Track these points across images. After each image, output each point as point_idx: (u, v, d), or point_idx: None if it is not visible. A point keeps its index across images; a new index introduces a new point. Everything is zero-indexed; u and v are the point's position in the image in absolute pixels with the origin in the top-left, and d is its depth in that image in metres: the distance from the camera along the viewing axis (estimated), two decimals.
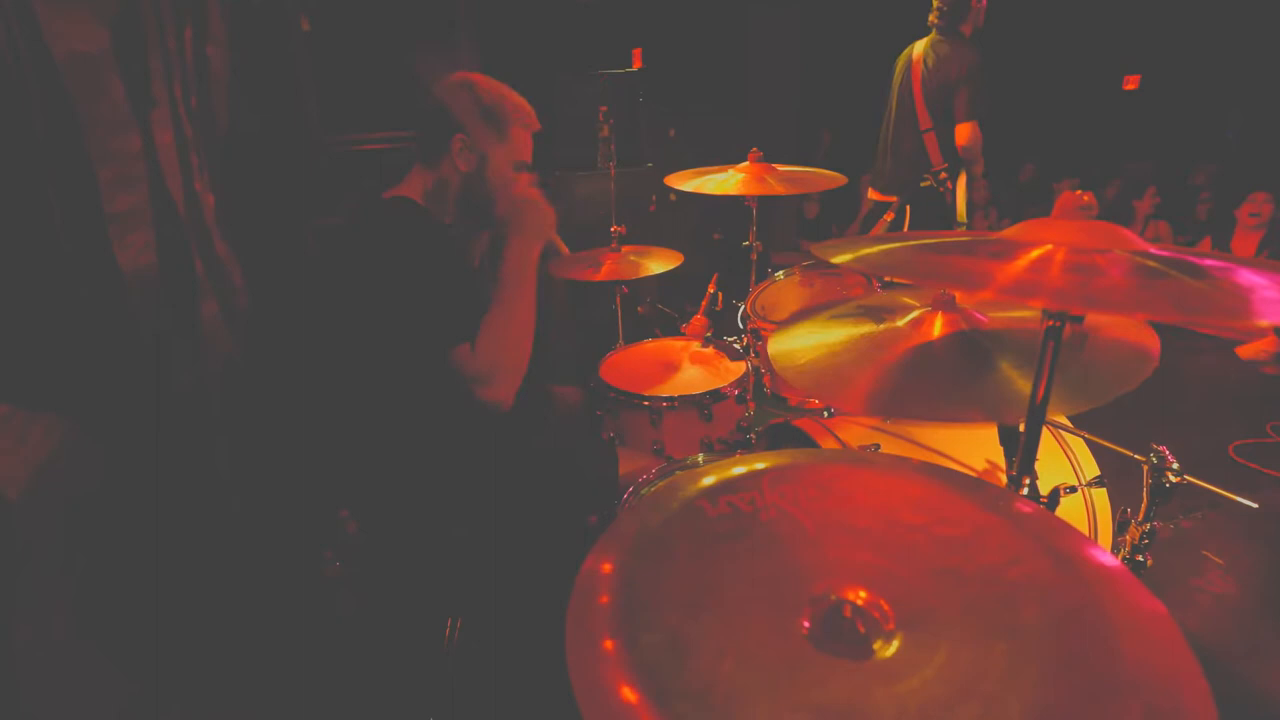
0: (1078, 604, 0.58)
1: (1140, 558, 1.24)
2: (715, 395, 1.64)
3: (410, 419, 1.35)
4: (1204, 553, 2.20)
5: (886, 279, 1.59)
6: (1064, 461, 1.57)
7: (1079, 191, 0.72)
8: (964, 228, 2.80)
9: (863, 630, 0.58)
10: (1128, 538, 1.26)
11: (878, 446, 1.49)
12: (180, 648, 1.17)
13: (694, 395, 1.62)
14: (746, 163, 1.84)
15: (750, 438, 1.62)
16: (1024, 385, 0.88)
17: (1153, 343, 0.94)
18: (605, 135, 2.27)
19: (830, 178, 1.85)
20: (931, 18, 2.90)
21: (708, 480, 0.76)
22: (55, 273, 0.94)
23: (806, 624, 0.59)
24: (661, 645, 0.57)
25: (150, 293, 1.15)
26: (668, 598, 0.63)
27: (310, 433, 1.68)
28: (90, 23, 1.14)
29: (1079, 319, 0.76)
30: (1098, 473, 1.54)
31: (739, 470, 0.78)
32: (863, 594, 0.61)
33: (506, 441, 1.39)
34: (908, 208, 1.70)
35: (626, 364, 1.79)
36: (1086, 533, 1.50)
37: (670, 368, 1.75)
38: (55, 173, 1.02)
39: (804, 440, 1.54)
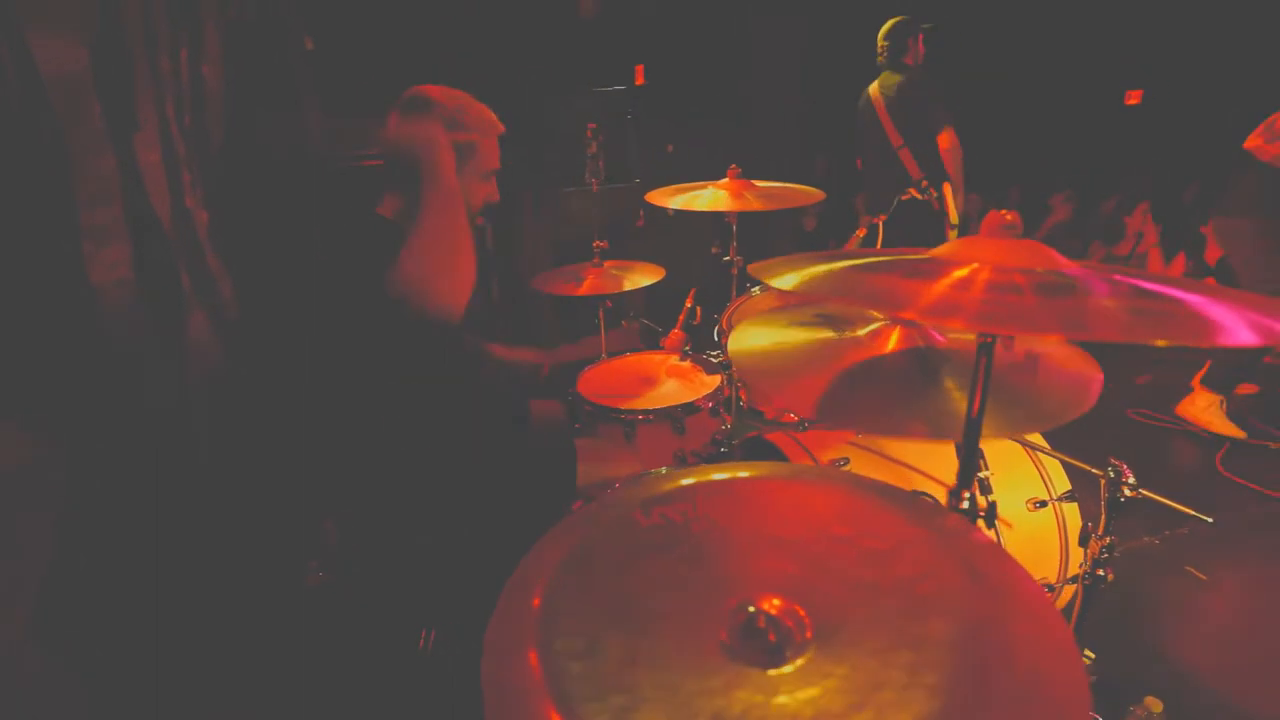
0: (983, 617, 0.59)
1: (1101, 571, 1.25)
2: (689, 408, 1.66)
3: (386, 429, 1.38)
4: (1187, 568, 2.19)
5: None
6: (1035, 476, 1.58)
7: (1004, 211, 0.74)
8: (955, 231, 2.90)
9: (774, 640, 0.60)
10: (1088, 552, 1.27)
11: (846, 461, 1.50)
12: (149, 654, 1.20)
13: (667, 408, 1.64)
14: (726, 179, 1.87)
15: (723, 450, 1.63)
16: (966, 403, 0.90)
17: (1093, 366, 0.96)
18: (593, 152, 2.30)
19: (808, 193, 1.88)
20: (879, 58, 3.31)
21: (644, 491, 0.78)
22: (26, 284, 0.98)
23: (723, 633, 0.61)
24: (575, 651, 0.59)
25: (124, 307, 1.19)
26: (590, 605, 0.65)
27: (298, 439, 1.71)
28: (75, 44, 1.18)
29: (1011, 337, 0.78)
30: (1069, 487, 1.55)
31: (677, 482, 0.80)
32: (777, 603, 0.62)
33: (483, 451, 1.42)
34: (879, 225, 1.73)
35: (605, 377, 1.81)
36: (1057, 547, 1.51)
37: (648, 381, 1.77)
38: (35, 187, 1.06)
39: (776, 454, 1.56)
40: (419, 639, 1.42)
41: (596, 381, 1.80)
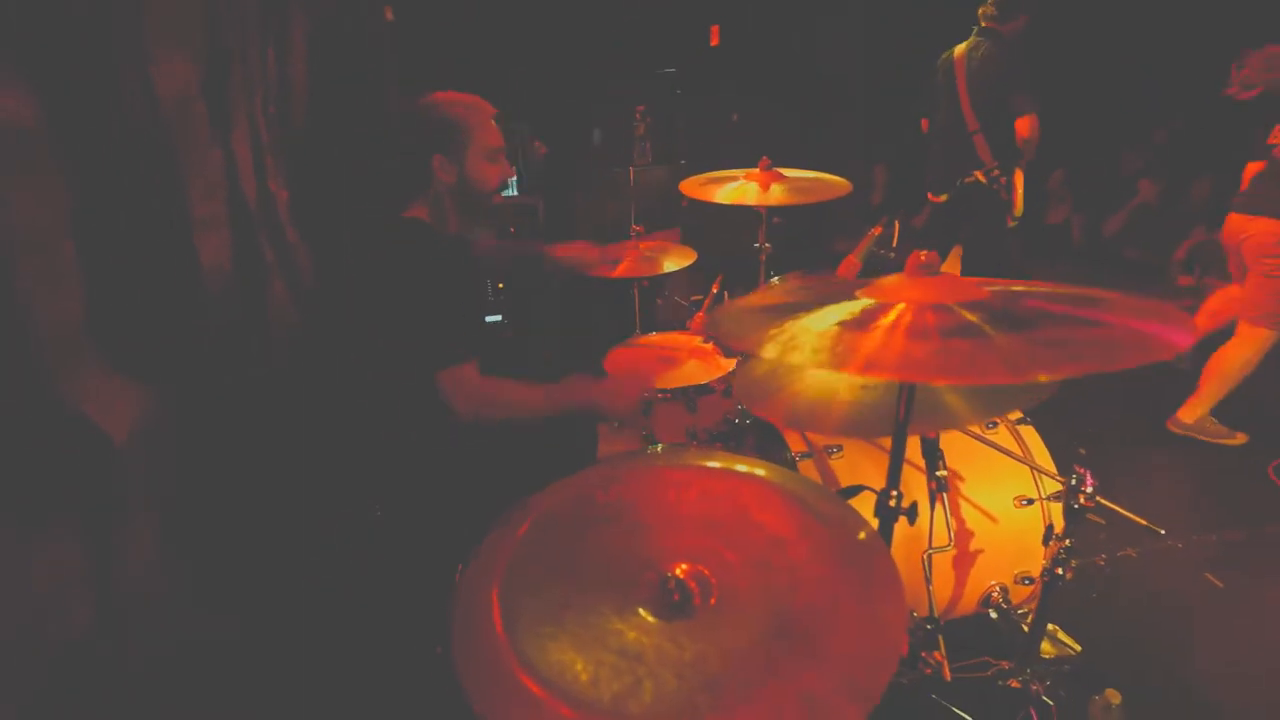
0: (841, 598, 0.74)
1: (1060, 570, 1.34)
2: (702, 389, 1.80)
3: (419, 409, 1.56)
4: (1207, 575, 2.20)
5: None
6: (1028, 475, 1.65)
7: (921, 252, 0.84)
8: (1017, 222, 2.97)
9: (677, 599, 0.76)
10: (1048, 551, 1.36)
11: (839, 449, 1.62)
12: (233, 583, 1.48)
13: (681, 389, 1.79)
14: (757, 169, 1.96)
15: (736, 423, 1.78)
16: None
17: None
18: (641, 134, 2.41)
19: (836, 185, 1.95)
20: (983, 17, 3.00)
21: (611, 472, 0.96)
22: (149, 269, 1.22)
23: (642, 590, 0.78)
24: (525, 591, 0.77)
25: (223, 283, 1.43)
26: (546, 559, 0.83)
27: (358, 393, 1.95)
28: (189, 63, 1.40)
29: None
30: (1059, 488, 1.61)
31: (635, 465, 0.97)
32: (685, 568, 0.78)
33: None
34: (896, 223, 1.77)
35: (631, 355, 1.97)
36: (1039, 544, 1.59)
37: (670, 361, 1.92)
38: (154, 187, 1.30)
39: (775, 436, 1.69)
40: (456, 572, 1.67)
41: (623, 358, 1.96)
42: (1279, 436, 2.88)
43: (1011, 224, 3.10)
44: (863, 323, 0.82)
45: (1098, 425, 2.90)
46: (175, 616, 1.23)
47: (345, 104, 2.30)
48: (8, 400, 0.89)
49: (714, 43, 4.59)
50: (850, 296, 0.90)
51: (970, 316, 0.81)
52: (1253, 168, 2.67)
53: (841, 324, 0.83)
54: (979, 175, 3.02)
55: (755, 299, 1.09)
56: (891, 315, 0.82)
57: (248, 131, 1.67)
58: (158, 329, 1.25)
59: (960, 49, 3.06)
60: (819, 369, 0.95)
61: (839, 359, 0.76)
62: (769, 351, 0.81)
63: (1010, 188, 3.03)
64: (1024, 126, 2.88)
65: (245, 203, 1.61)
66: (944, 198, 3.18)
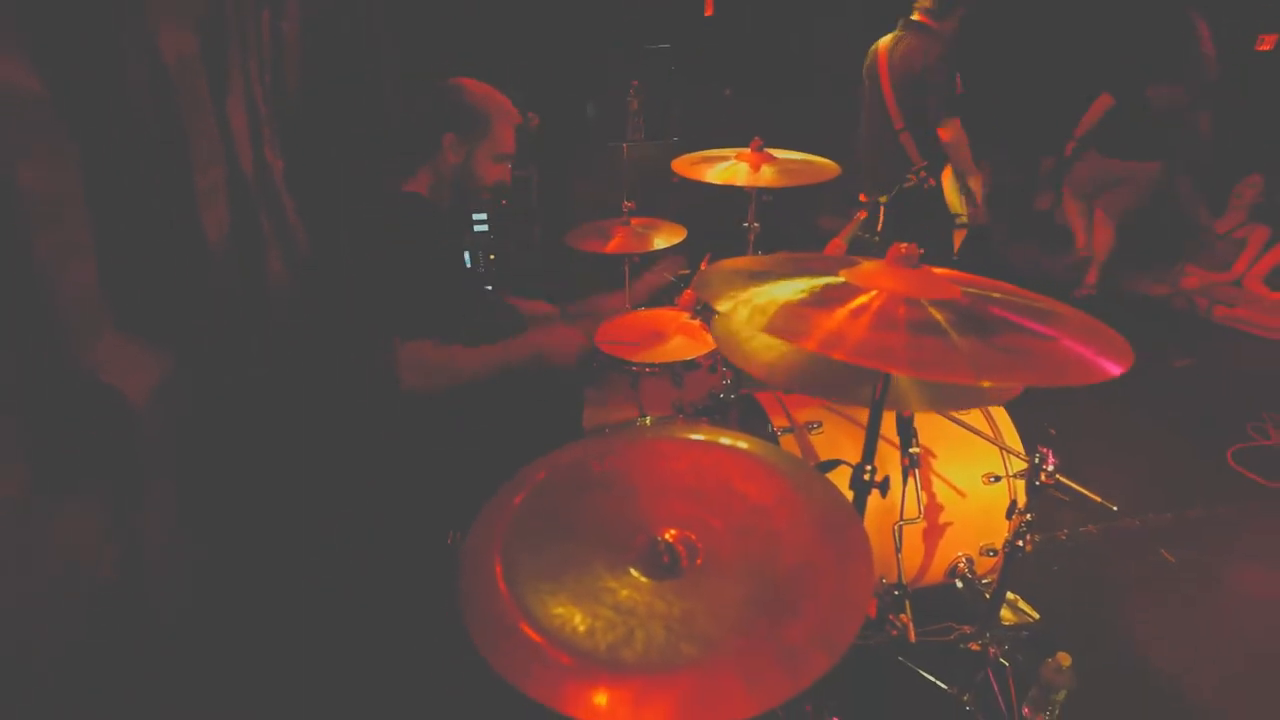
0: (810, 556, 0.81)
1: (1020, 544, 1.43)
2: (688, 364, 1.86)
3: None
4: (1161, 552, 2.33)
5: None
6: (996, 454, 1.74)
7: (902, 244, 0.90)
8: (961, 220, 2.83)
9: (667, 561, 0.83)
10: (1010, 524, 1.45)
11: (819, 424, 1.70)
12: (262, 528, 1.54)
13: (669, 363, 1.85)
14: (748, 150, 2.00)
15: (721, 398, 1.85)
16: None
17: None
18: (635, 109, 2.43)
19: (825, 168, 1.99)
20: (918, 9, 2.78)
21: (604, 445, 1.02)
22: (157, 237, 1.25)
23: (634, 552, 0.85)
24: (527, 550, 0.84)
25: (224, 252, 1.46)
26: (545, 521, 0.89)
27: (350, 360, 1.98)
28: (189, 29, 1.41)
29: None
30: (1024, 466, 1.71)
31: (628, 438, 1.03)
32: (673, 533, 0.85)
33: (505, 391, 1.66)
34: (881, 207, 1.81)
35: (621, 328, 2.02)
36: (1003, 520, 1.68)
37: (658, 335, 1.98)
38: (159, 155, 1.32)
39: (758, 410, 1.76)
40: (447, 537, 1.73)
41: (612, 331, 2.01)
42: (1238, 423, 3.02)
43: (960, 233, 2.96)
44: (827, 301, 0.89)
45: (1068, 409, 3.02)
46: (192, 570, 1.29)
47: (339, 71, 2.30)
48: (35, 367, 0.92)
49: (708, 12, 4.57)
50: (833, 274, 0.96)
51: (938, 315, 0.87)
52: None
53: (805, 297, 0.90)
54: (912, 177, 2.78)
55: (744, 263, 1.15)
56: (863, 299, 0.88)
57: (244, 99, 1.67)
58: (168, 296, 1.29)
59: (884, 42, 2.86)
60: (762, 333, 1.02)
61: (792, 331, 0.83)
62: (722, 306, 0.89)
63: (939, 187, 2.81)
64: (944, 134, 2.72)
65: (242, 172, 1.63)
66: (884, 199, 2.89)
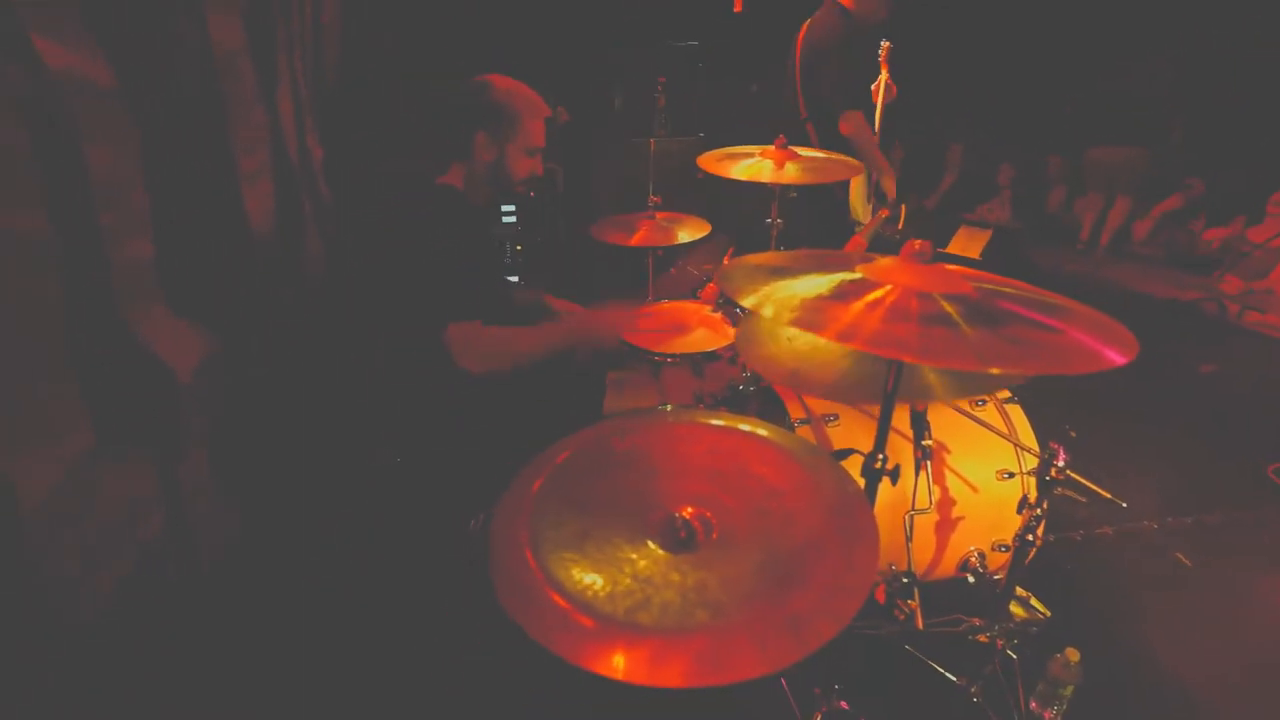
0: (820, 536, 0.85)
1: (1030, 537, 1.46)
2: (709, 356, 1.90)
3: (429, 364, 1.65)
4: (1177, 555, 2.32)
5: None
6: (1011, 450, 1.76)
7: (916, 240, 0.93)
8: (861, 227, 2.44)
9: (684, 536, 0.88)
10: (1022, 518, 1.48)
11: (836, 417, 1.73)
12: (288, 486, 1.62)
13: (690, 354, 1.90)
14: (772, 147, 2.03)
15: (740, 389, 1.89)
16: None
17: None
18: (661, 105, 2.46)
19: (849, 165, 2.02)
20: None
21: (624, 423, 1.06)
22: (205, 219, 1.32)
23: (652, 526, 0.90)
24: (550, 523, 0.89)
25: (267, 231, 1.53)
26: (568, 496, 0.94)
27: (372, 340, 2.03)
28: (237, 20, 1.47)
29: None
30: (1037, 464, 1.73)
31: (649, 420, 1.08)
32: (690, 510, 0.90)
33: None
34: (904, 206, 1.82)
35: (645, 319, 2.07)
36: (1015, 516, 1.70)
37: (681, 327, 2.02)
38: (208, 141, 1.39)
39: (775, 400, 1.80)
40: (471, 521, 1.79)
41: (637, 321, 2.06)
42: (1273, 433, 2.98)
43: (860, 235, 2.44)
44: (844, 295, 0.92)
45: (1094, 410, 3.01)
46: (227, 530, 1.37)
47: (375, 65, 2.36)
48: (95, 338, 0.99)
49: (738, 9, 4.57)
50: (849, 270, 1.00)
51: (949, 308, 0.91)
52: None
53: (825, 293, 0.93)
54: (884, 212, 2.45)
55: (765, 259, 1.18)
56: (878, 293, 0.92)
57: (290, 89, 1.74)
58: (212, 274, 1.36)
59: (808, 21, 2.56)
60: (788, 326, 1.05)
61: (812, 323, 0.86)
62: (748, 301, 0.93)
63: (846, 188, 2.57)
64: (843, 127, 2.44)
65: (288, 157, 1.70)
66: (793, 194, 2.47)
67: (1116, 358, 0.85)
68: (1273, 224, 4.30)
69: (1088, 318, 0.93)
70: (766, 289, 1.00)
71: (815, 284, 1.00)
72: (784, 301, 0.95)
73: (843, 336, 0.87)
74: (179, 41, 1.28)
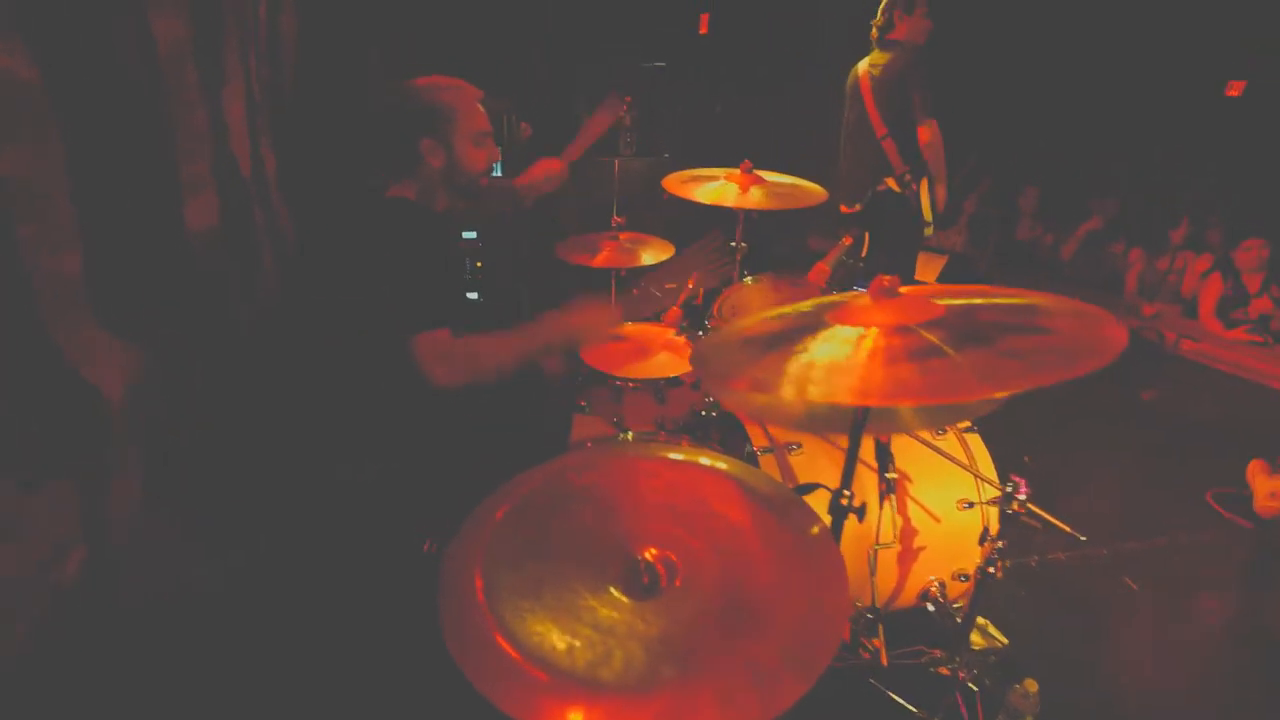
0: (786, 580, 0.82)
1: (992, 570, 1.46)
2: (671, 381, 1.87)
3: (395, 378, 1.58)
4: (1125, 579, 2.37)
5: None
6: (971, 481, 1.77)
7: (885, 276, 0.92)
8: (930, 227, 3.03)
9: (647, 581, 0.84)
10: (983, 550, 1.48)
11: (799, 445, 1.71)
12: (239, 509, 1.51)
13: (652, 380, 1.86)
14: (737, 171, 2.03)
15: (702, 414, 1.86)
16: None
17: None
18: (628, 125, 2.44)
19: (813, 192, 2.03)
20: (872, 34, 3.11)
21: (583, 458, 1.02)
22: (139, 229, 1.24)
23: (614, 571, 0.85)
24: (506, 567, 0.84)
25: (213, 246, 1.45)
26: (524, 537, 0.89)
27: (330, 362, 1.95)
28: (182, 14, 1.39)
29: None
30: (998, 493, 1.74)
31: (608, 453, 1.03)
32: (653, 552, 0.85)
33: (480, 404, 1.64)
34: (866, 234, 1.85)
35: (607, 344, 2.03)
36: (976, 545, 1.71)
37: (644, 351, 1.99)
38: (144, 146, 1.30)
39: (738, 428, 1.77)
40: (424, 544, 1.71)
41: (599, 347, 2.02)
42: (1210, 459, 3.08)
43: (928, 230, 3.18)
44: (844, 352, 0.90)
45: (1043, 436, 3.07)
46: (165, 562, 1.27)
47: (331, 74, 2.29)
48: (11, 360, 0.91)
49: (703, 31, 4.62)
50: (823, 323, 0.97)
51: (931, 337, 0.89)
52: None
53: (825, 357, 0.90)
54: (890, 182, 3.07)
55: (733, 331, 1.15)
56: (868, 342, 0.90)
57: (242, 91, 1.66)
58: (147, 289, 1.27)
59: (863, 64, 3.14)
60: (817, 401, 1.01)
61: (835, 391, 0.83)
62: (788, 393, 0.88)
63: (918, 195, 3.08)
64: (923, 133, 2.95)
65: (236, 164, 1.61)
66: (857, 207, 3.20)
67: (1117, 338, 0.83)
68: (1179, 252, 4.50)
69: (1063, 309, 0.92)
70: (763, 366, 0.95)
71: (806, 350, 0.95)
72: (795, 378, 0.90)
73: (860, 396, 0.84)
74: (114, 35, 1.20)
